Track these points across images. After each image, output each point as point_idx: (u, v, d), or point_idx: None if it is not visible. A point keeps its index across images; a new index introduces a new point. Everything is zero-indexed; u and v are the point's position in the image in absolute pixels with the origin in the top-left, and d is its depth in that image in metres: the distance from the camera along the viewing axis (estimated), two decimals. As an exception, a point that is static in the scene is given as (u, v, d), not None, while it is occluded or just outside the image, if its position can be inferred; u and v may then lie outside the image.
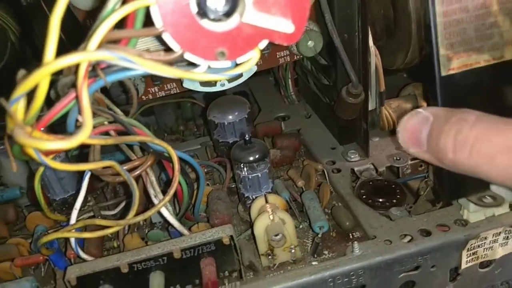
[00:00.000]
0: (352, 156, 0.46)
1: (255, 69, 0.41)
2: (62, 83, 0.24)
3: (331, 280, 0.34)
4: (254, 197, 0.39)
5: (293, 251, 0.35)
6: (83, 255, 0.35)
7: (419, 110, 0.28)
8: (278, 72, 0.60)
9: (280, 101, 0.61)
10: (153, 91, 0.42)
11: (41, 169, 0.34)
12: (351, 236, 0.38)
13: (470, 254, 0.36)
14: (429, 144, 0.27)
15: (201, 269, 0.33)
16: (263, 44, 0.24)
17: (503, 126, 0.24)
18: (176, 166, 0.31)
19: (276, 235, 0.33)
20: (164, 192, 0.33)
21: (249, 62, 0.24)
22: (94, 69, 0.24)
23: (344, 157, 0.47)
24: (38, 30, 0.54)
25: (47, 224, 0.42)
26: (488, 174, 0.24)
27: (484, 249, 0.36)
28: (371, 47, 0.41)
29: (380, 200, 0.40)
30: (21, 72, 0.22)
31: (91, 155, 0.32)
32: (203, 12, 0.22)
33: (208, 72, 0.24)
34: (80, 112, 0.21)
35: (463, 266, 0.36)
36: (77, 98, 0.22)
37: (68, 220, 0.34)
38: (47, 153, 0.26)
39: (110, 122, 0.31)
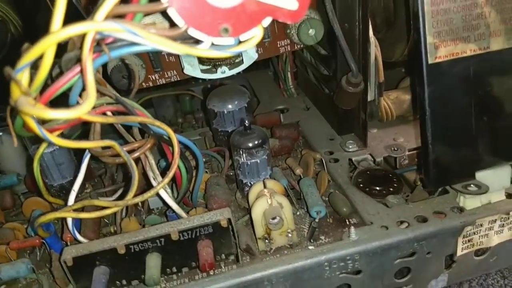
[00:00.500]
0: (350, 147, 0.47)
1: (255, 56, 0.41)
2: (66, 58, 0.25)
3: (327, 265, 0.34)
4: (252, 183, 0.39)
5: (290, 235, 0.35)
6: (79, 237, 0.35)
7: None
8: (278, 65, 0.61)
9: (279, 95, 0.61)
10: (154, 78, 0.42)
11: (40, 150, 0.34)
12: (348, 222, 0.38)
13: (465, 241, 0.36)
14: None
15: (198, 251, 0.33)
16: (267, 21, 0.24)
17: None
18: (176, 149, 0.32)
19: (274, 219, 0.33)
20: (163, 176, 0.33)
21: (252, 40, 0.24)
22: (99, 44, 0.24)
23: (342, 147, 0.47)
24: (42, 24, 0.54)
25: (44, 209, 0.42)
26: None
27: (479, 236, 0.37)
28: (371, 38, 0.42)
29: (377, 188, 0.41)
30: (26, 44, 0.23)
31: (91, 136, 0.32)
32: (207, -13, 0.23)
33: (212, 49, 0.24)
34: (84, 84, 0.22)
35: (459, 253, 0.37)
36: (81, 71, 0.22)
37: (66, 204, 0.34)
38: (49, 129, 0.26)
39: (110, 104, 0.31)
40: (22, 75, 0.21)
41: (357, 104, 0.45)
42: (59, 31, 0.20)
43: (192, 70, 0.40)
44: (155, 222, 0.39)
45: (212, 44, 0.24)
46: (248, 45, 0.24)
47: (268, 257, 0.35)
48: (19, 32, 0.60)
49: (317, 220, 0.36)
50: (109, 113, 0.31)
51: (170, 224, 0.33)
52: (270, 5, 0.23)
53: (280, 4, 0.23)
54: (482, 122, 0.34)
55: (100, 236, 0.40)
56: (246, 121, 0.38)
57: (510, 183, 0.36)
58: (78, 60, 0.23)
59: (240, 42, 0.24)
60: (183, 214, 0.34)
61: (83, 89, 0.23)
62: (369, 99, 0.45)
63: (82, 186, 0.46)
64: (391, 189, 0.40)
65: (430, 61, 0.32)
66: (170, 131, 0.31)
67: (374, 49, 0.41)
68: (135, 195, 0.32)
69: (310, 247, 0.35)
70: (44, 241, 0.38)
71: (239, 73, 0.70)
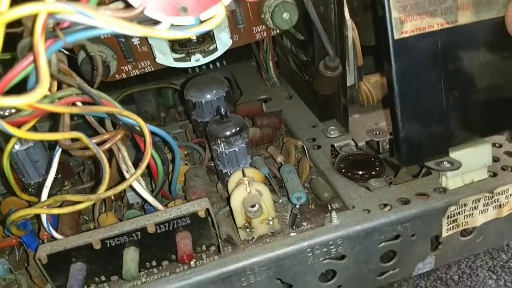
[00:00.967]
0: (332, 133, 0.46)
1: (230, 43, 0.40)
2: (21, 45, 0.24)
3: (309, 251, 0.33)
4: (232, 173, 0.38)
5: (271, 223, 0.34)
6: (56, 234, 0.34)
7: None
8: (259, 54, 0.60)
9: (262, 85, 0.61)
10: (127, 69, 0.41)
11: (9, 146, 0.33)
12: (329, 208, 0.37)
13: (450, 221, 0.36)
14: None
15: (176, 243, 0.32)
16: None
17: None
18: (148, 139, 0.31)
19: (253, 206, 0.33)
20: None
21: (214, 19, 0.23)
22: (54, 29, 0.23)
23: (324, 133, 0.46)
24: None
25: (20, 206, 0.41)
26: None
27: (464, 216, 0.36)
28: (347, 21, 0.41)
29: (360, 172, 0.40)
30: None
31: (60, 128, 0.31)
32: (163, -35, 0.22)
33: (172, 30, 0.23)
34: (36, 70, 0.21)
35: (444, 234, 0.36)
36: (34, 55, 0.21)
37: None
38: (12, 122, 0.25)
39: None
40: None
41: (336, 89, 0.44)
42: (6, 12, 0.19)
43: (165, 58, 0.39)
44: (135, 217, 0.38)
45: (172, 25, 0.23)
46: (210, 24, 0.23)
47: (250, 246, 0.34)
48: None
49: (297, 207, 0.35)
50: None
51: (146, 217, 0.32)
52: (229, -20, 0.22)
53: (239, -21, 0.22)
54: (453, 97, 0.33)
55: (79, 233, 0.39)
56: (222, 109, 0.37)
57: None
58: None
59: (201, 21, 0.23)
60: (159, 206, 0.33)
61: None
62: (348, 83, 0.44)
63: (61, 184, 0.45)
64: (373, 173, 0.40)
65: (396, 37, 0.31)
66: (140, 120, 0.30)
67: (351, 32, 0.41)
68: (108, 189, 0.31)
69: (292, 234, 0.35)
70: (21, 240, 0.37)
71: (222, 65, 0.71)
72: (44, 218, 0.33)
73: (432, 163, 0.35)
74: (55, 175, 0.44)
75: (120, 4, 0.22)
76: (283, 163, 0.42)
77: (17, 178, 0.42)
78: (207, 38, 0.40)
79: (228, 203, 0.34)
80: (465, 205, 0.36)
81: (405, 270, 0.37)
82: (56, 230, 0.36)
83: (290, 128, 0.49)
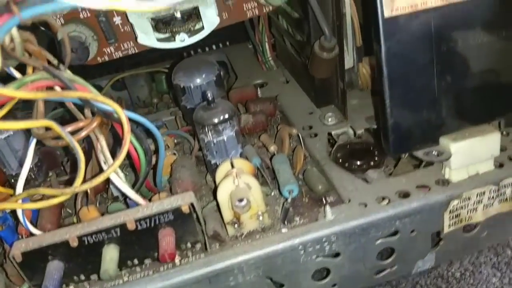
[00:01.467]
0: (330, 120, 0.43)
1: (217, 21, 0.37)
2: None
3: (301, 248, 0.31)
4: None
5: (261, 218, 0.32)
6: (33, 230, 0.32)
7: None
8: (255, 36, 0.57)
9: (258, 69, 0.58)
10: (109, 51, 0.38)
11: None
12: (324, 201, 0.35)
13: (452, 216, 0.33)
14: None
15: (158, 240, 0.30)
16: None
17: None
18: (125, 126, 0.28)
19: (241, 201, 0.30)
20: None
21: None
22: (8, 3, 0.20)
23: (321, 121, 0.44)
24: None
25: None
26: None
27: (468, 210, 0.34)
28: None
29: (357, 163, 0.38)
30: None
31: (34, 116, 0.29)
32: None
33: (141, 1, 0.20)
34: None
35: (446, 230, 0.34)
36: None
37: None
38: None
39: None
40: None
41: (334, 73, 0.41)
42: None
43: (147, 38, 0.36)
44: (119, 210, 0.36)
45: None
46: None
47: (238, 243, 0.32)
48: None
49: (289, 200, 0.33)
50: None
51: (126, 212, 0.30)
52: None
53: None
54: (445, 82, 0.31)
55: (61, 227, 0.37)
56: (209, 94, 0.35)
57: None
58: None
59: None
60: (140, 200, 0.31)
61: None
62: (347, 66, 0.41)
63: (45, 174, 0.44)
64: (372, 163, 0.37)
65: (386, 15, 0.29)
66: (116, 106, 0.28)
67: (349, 9, 0.37)
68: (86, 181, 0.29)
69: (283, 230, 0.32)
70: (-1, 236, 0.35)
71: (218, 47, 0.68)
72: (19, 212, 0.31)
73: (420, 152, 0.33)
74: (39, 163, 0.43)
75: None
76: (276, 153, 0.39)
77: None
78: (192, 16, 0.37)
79: (214, 197, 0.32)
80: (469, 198, 0.33)
81: (404, 268, 0.35)
82: (36, 225, 0.35)
83: (286, 114, 0.47)
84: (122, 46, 0.38)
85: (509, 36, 0.31)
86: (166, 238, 0.30)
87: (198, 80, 0.42)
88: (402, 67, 0.30)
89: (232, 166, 0.33)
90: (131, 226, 0.29)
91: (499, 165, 0.34)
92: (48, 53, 0.30)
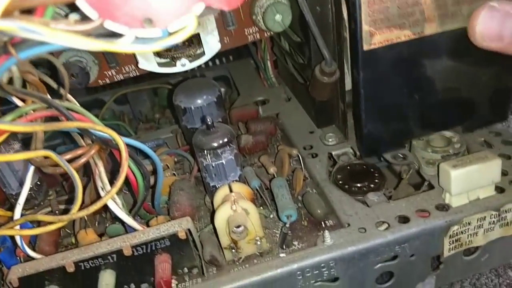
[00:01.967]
0: (330, 140, 0.43)
1: (218, 46, 0.38)
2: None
3: (299, 273, 0.31)
4: (219, 187, 0.36)
5: (259, 243, 0.32)
6: (32, 253, 0.32)
7: (493, 4, 0.31)
8: (257, 54, 0.57)
9: (260, 85, 0.58)
10: (110, 74, 0.39)
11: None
12: (323, 225, 0.35)
13: (453, 241, 0.33)
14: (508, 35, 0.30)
15: (155, 266, 0.30)
16: (199, 8, 0.21)
17: None
18: (123, 154, 0.28)
19: (238, 227, 0.30)
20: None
21: (185, 31, 0.21)
22: (6, 45, 0.20)
23: (322, 141, 0.44)
24: None
25: (2, 221, 0.39)
26: None
27: (468, 235, 0.33)
28: (345, 22, 0.38)
29: (357, 185, 0.37)
30: None
31: (33, 144, 0.29)
32: (122, -29, 0.19)
33: (136, 43, 0.20)
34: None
35: (446, 254, 0.34)
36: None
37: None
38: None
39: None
40: None
41: (335, 94, 0.41)
42: None
43: (148, 64, 0.36)
44: (117, 232, 0.36)
45: (136, 37, 0.20)
46: (180, 36, 0.21)
47: (235, 267, 0.32)
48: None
49: (287, 225, 0.33)
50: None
51: (122, 238, 0.30)
52: (197, -11, 0.19)
53: (209, -13, 0.19)
54: (413, 99, 0.36)
55: (60, 248, 0.38)
56: (208, 119, 0.35)
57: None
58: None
59: (170, 33, 0.21)
60: (136, 226, 0.31)
61: None
62: (347, 88, 0.41)
63: (45, 193, 0.44)
64: (372, 186, 0.37)
65: (365, 48, 0.33)
66: (114, 135, 0.28)
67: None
68: (81, 208, 0.29)
69: (282, 255, 0.32)
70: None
71: (221, 63, 0.68)
72: (18, 238, 0.31)
73: (389, 155, 0.38)
74: (38, 182, 0.43)
75: (77, 16, 0.20)
76: (275, 175, 0.39)
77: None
78: (194, 41, 0.37)
79: (212, 222, 0.32)
80: (469, 223, 0.33)
81: (404, 292, 0.35)
82: (34, 247, 0.35)
83: (287, 133, 0.47)
84: (123, 69, 0.38)
85: (466, 61, 0.36)
86: (162, 265, 0.30)
87: (199, 101, 0.42)
88: (377, 90, 0.35)
89: (231, 190, 0.33)
90: (127, 252, 0.29)
91: (500, 190, 0.34)
92: (49, 78, 0.31)
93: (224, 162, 0.35)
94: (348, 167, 0.40)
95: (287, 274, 0.31)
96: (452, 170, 0.32)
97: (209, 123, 0.35)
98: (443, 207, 0.33)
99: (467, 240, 0.34)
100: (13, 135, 0.37)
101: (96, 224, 0.39)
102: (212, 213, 0.34)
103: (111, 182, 0.31)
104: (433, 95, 0.37)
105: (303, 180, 0.39)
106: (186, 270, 0.31)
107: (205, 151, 0.35)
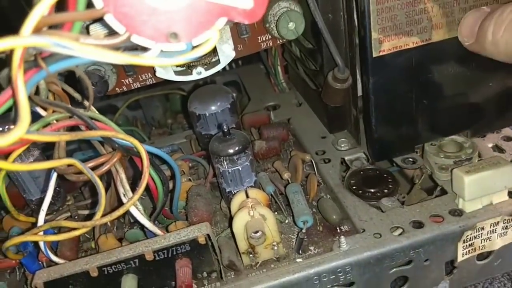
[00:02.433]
0: (343, 145, 0.44)
1: (233, 54, 0.38)
2: (3, 75, 0.22)
3: (316, 278, 0.32)
4: (236, 191, 0.37)
5: (276, 248, 0.33)
6: (54, 258, 0.33)
7: (482, 7, 0.32)
8: (267, 59, 0.58)
9: (271, 90, 0.59)
10: (127, 82, 0.40)
11: (1, 174, 0.32)
12: (339, 230, 0.35)
13: (466, 246, 0.34)
14: (477, 32, 0.31)
15: (176, 270, 0.30)
16: (221, 22, 0.21)
17: None
18: (145, 162, 0.29)
19: (256, 232, 0.31)
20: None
21: (207, 44, 0.22)
22: (36, 58, 0.21)
23: (334, 146, 0.44)
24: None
25: (23, 226, 0.40)
26: None
27: (481, 240, 0.34)
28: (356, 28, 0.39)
29: (371, 190, 0.38)
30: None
31: (56, 152, 0.30)
32: (150, -12, 0.20)
33: (161, 57, 0.21)
34: (15, 105, 0.19)
35: (460, 258, 0.34)
36: (12, 90, 0.19)
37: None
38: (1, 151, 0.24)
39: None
40: None
41: (347, 100, 0.42)
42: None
43: (165, 72, 0.37)
44: (136, 237, 0.37)
45: (162, 51, 0.21)
46: (203, 49, 0.21)
47: (253, 272, 0.33)
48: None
49: (304, 231, 0.34)
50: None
51: (144, 243, 0.31)
52: (222, 5, 0.20)
53: (233, 4, 0.20)
54: (422, 104, 0.37)
55: (80, 253, 0.38)
56: (225, 126, 0.35)
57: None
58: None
59: (193, 46, 0.22)
60: (157, 231, 0.31)
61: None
62: (359, 93, 0.42)
63: (63, 198, 0.45)
64: (386, 191, 0.38)
65: (374, 55, 0.34)
66: (136, 143, 0.29)
67: (362, 40, 0.38)
68: (104, 214, 0.30)
69: (298, 260, 0.33)
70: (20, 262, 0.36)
71: (231, 68, 0.69)
72: (41, 243, 0.32)
73: (399, 159, 0.39)
74: (57, 188, 0.44)
75: (98, 27, 0.21)
76: (290, 181, 0.40)
77: (18, 195, 0.41)
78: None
79: (230, 227, 0.32)
80: (483, 228, 0.33)
81: (418, 296, 0.35)
82: (56, 251, 0.36)
83: (299, 139, 0.47)
84: (140, 77, 0.39)
85: (473, 66, 0.36)
86: (183, 269, 0.30)
87: (213, 108, 0.43)
88: (386, 95, 0.36)
89: (247, 196, 0.34)
90: (149, 257, 0.30)
91: (513, 194, 0.34)
92: (71, 89, 0.31)
93: (240, 168, 0.36)
94: (361, 173, 0.40)
95: (304, 279, 0.32)
96: (466, 176, 0.32)
97: (226, 130, 0.35)
98: (457, 213, 0.34)
99: (481, 245, 0.34)
100: (34, 143, 0.38)
101: (115, 229, 0.40)
102: (229, 218, 0.35)
103: (131, 187, 0.32)
104: (441, 100, 0.37)
105: (317, 186, 0.39)
106: (205, 274, 0.32)
107: (222, 158, 0.36)
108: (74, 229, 0.31)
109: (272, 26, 0.39)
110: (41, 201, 0.42)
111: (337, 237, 0.34)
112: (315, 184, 0.39)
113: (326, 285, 0.32)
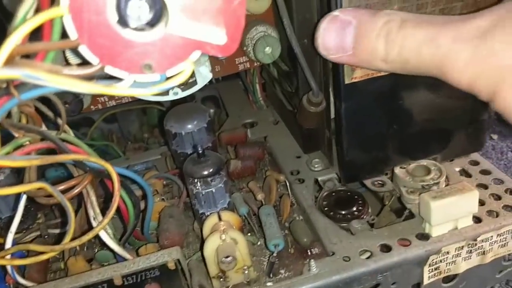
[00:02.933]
0: (316, 166, 0.45)
1: (210, 76, 0.39)
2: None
3: (286, 302, 0.32)
4: (209, 213, 0.37)
5: (246, 272, 0.33)
6: (22, 281, 0.33)
7: (335, 13, 0.30)
8: (246, 77, 0.58)
9: (249, 106, 0.59)
10: (102, 100, 0.40)
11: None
12: (309, 253, 0.36)
13: (432, 269, 0.35)
14: (357, 48, 0.29)
15: (145, 295, 0.30)
16: (195, 55, 0.22)
17: (426, 23, 0.26)
18: (116, 185, 0.29)
19: (227, 257, 0.31)
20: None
21: (181, 75, 0.22)
22: (8, 86, 0.21)
23: (308, 166, 0.45)
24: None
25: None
26: (417, 65, 0.27)
27: (446, 263, 0.35)
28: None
29: (342, 212, 0.39)
30: None
31: (27, 174, 0.30)
32: (123, 21, 0.20)
33: (134, 87, 0.21)
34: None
35: (426, 281, 0.35)
36: (-19, 119, 0.19)
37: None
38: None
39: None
40: None
41: (321, 121, 0.43)
42: None
43: (141, 91, 0.37)
44: (106, 258, 0.37)
45: (135, 81, 0.21)
46: (176, 81, 0.22)
47: (223, 296, 0.33)
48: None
49: (275, 254, 0.34)
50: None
51: (113, 267, 0.30)
52: (196, 40, 0.21)
53: (207, 39, 0.21)
54: (393, 129, 0.38)
55: (49, 274, 0.38)
56: (199, 147, 0.36)
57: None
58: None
59: (167, 78, 0.22)
60: (126, 255, 0.31)
61: None
62: (333, 116, 0.43)
63: (33, 217, 0.44)
64: (356, 213, 0.38)
65: (346, 81, 0.34)
66: (108, 166, 0.29)
67: (335, 66, 0.39)
68: (77, 236, 0.30)
69: (269, 284, 0.33)
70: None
71: (210, 83, 0.69)
72: (9, 266, 0.31)
73: (369, 182, 0.40)
74: (28, 206, 0.43)
75: (78, 61, 0.21)
76: (263, 202, 0.40)
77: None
78: (186, 71, 0.38)
79: (201, 251, 0.32)
80: (448, 252, 0.34)
81: (386, 318, 0.36)
82: (24, 273, 0.35)
83: (274, 157, 0.48)
84: (115, 96, 0.39)
85: (442, 94, 0.37)
86: (153, 294, 0.30)
87: (189, 127, 0.43)
88: (358, 120, 0.37)
89: (220, 219, 0.34)
90: (118, 281, 0.30)
91: (477, 220, 0.35)
92: (44, 107, 0.31)
93: (214, 190, 0.36)
94: (333, 194, 0.41)
95: (274, 303, 0.32)
96: (432, 201, 0.33)
97: (200, 151, 0.36)
98: (423, 236, 0.35)
99: (446, 268, 0.35)
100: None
101: (85, 249, 0.39)
102: (201, 241, 0.35)
103: (102, 208, 0.32)
104: (411, 125, 0.38)
105: (290, 206, 0.40)
106: (175, 298, 0.32)
107: (196, 179, 0.36)
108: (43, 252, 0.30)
109: (249, 49, 0.40)
110: (10, 219, 0.41)
111: (308, 260, 0.34)
112: (288, 206, 0.39)
113: (296, 308, 0.33)
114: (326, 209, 0.39)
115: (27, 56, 0.21)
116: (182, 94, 0.39)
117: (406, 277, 0.34)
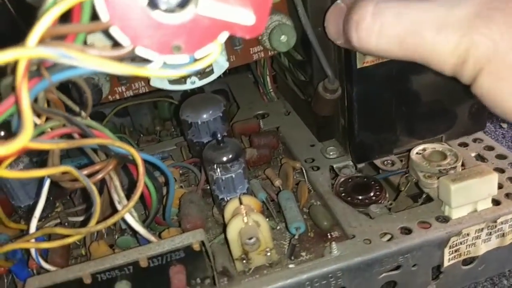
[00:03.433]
0: (331, 153, 0.45)
1: (226, 65, 0.39)
2: (4, 84, 0.22)
3: (308, 284, 0.32)
4: (228, 198, 0.37)
5: (268, 254, 0.33)
6: (45, 265, 0.33)
7: (338, 2, 0.31)
8: (256, 69, 0.59)
9: (259, 99, 0.59)
10: (120, 90, 0.40)
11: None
12: (329, 236, 0.36)
13: (452, 251, 0.35)
14: (344, 33, 0.30)
15: (170, 277, 0.31)
16: (223, 36, 0.22)
17: (404, 9, 0.26)
18: (141, 169, 0.29)
19: (250, 239, 0.32)
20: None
21: (209, 57, 0.22)
22: (39, 68, 0.22)
23: (323, 154, 0.45)
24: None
25: (10, 233, 0.40)
26: (400, 55, 0.28)
27: (466, 245, 0.35)
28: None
29: (359, 197, 0.39)
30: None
31: (50, 159, 0.30)
32: (154, 3, 0.21)
33: (164, 68, 0.22)
34: (19, 115, 0.19)
35: (446, 264, 0.35)
36: (16, 99, 0.20)
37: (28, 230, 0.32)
38: None
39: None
40: None
41: (336, 110, 0.43)
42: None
43: (159, 82, 0.37)
44: (127, 244, 0.37)
45: (164, 63, 0.22)
46: (205, 62, 0.22)
47: (246, 278, 0.33)
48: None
49: (296, 237, 0.34)
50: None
51: (138, 250, 0.31)
52: (224, 21, 0.21)
53: (235, 20, 0.21)
54: (401, 110, 0.39)
55: (70, 260, 0.38)
56: (219, 134, 0.36)
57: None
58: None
59: (196, 59, 0.22)
60: (151, 238, 0.32)
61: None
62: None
63: (52, 205, 0.44)
64: (374, 198, 0.39)
65: (358, 66, 0.36)
66: (133, 151, 0.29)
67: (351, 52, 0.40)
68: (99, 221, 0.30)
69: (291, 266, 0.34)
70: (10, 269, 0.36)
71: (220, 77, 0.69)
72: (33, 250, 0.32)
73: (379, 161, 0.41)
74: (47, 195, 0.43)
75: (109, 42, 0.21)
76: (281, 188, 0.40)
77: (6, 201, 0.41)
78: (203, 60, 0.39)
79: (224, 234, 0.33)
80: (468, 234, 0.35)
81: (406, 300, 0.36)
82: (46, 258, 0.35)
83: (288, 147, 0.48)
84: (133, 85, 0.40)
85: (446, 76, 0.37)
86: (178, 276, 0.31)
87: (205, 116, 0.43)
88: (368, 102, 0.38)
89: (241, 203, 0.35)
90: (143, 263, 0.30)
91: (496, 203, 0.36)
92: (65, 97, 0.32)
93: (233, 176, 0.36)
94: (350, 180, 0.41)
95: (296, 285, 0.32)
96: (452, 184, 0.33)
97: (219, 138, 0.36)
98: (443, 219, 0.35)
99: (466, 250, 0.35)
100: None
101: (105, 235, 0.40)
102: (222, 225, 0.36)
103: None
104: (418, 106, 0.40)
105: (308, 193, 0.40)
106: (198, 281, 0.32)
107: (216, 165, 0.36)
108: (67, 236, 0.31)
109: (264, 38, 0.40)
110: (29, 207, 0.42)
111: (328, 243, 0.34)
112: (305, 191, 0.40)
113: (318, 290, 0.33)
114: (343, 194, 0.40)
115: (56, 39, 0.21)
116: (199, 83, 0.39)
117: (427, 259, 0.34)
